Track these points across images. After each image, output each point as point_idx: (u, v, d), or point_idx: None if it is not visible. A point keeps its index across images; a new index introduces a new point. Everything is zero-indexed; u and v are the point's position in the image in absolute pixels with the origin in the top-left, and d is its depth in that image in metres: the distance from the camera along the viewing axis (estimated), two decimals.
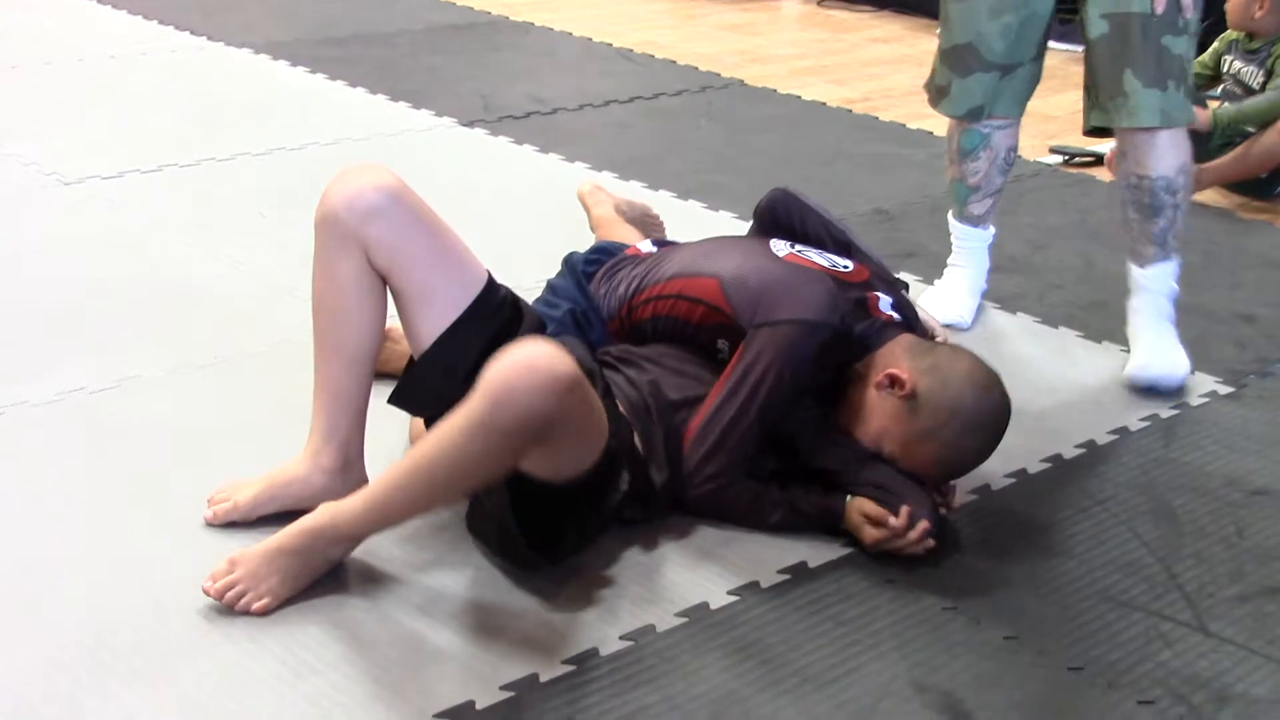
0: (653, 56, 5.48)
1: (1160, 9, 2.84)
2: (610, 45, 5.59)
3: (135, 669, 2.04)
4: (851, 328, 2.46)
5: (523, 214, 3.78)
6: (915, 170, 4.35)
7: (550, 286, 2.76)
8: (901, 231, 3.82)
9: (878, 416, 2.42)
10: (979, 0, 2.99)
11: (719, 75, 5.27)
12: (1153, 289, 3.06)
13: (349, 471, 2.37)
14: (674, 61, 5.42)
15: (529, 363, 2.02)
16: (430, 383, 2.30)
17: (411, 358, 2.39)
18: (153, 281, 3.28)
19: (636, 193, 3.95)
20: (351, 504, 2.19)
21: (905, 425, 2.40)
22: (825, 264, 2.56)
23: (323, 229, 2.32)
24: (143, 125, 4.31)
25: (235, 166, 4.01)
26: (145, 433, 2.65)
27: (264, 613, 2.15)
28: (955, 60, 3.07)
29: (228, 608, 2.14)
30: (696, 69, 5.34)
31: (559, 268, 2.81)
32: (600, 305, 2.69)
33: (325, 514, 2.19)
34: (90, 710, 1.96)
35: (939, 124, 4.80)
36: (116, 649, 2.08)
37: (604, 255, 2.80)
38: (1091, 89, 2.98)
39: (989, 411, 2.42)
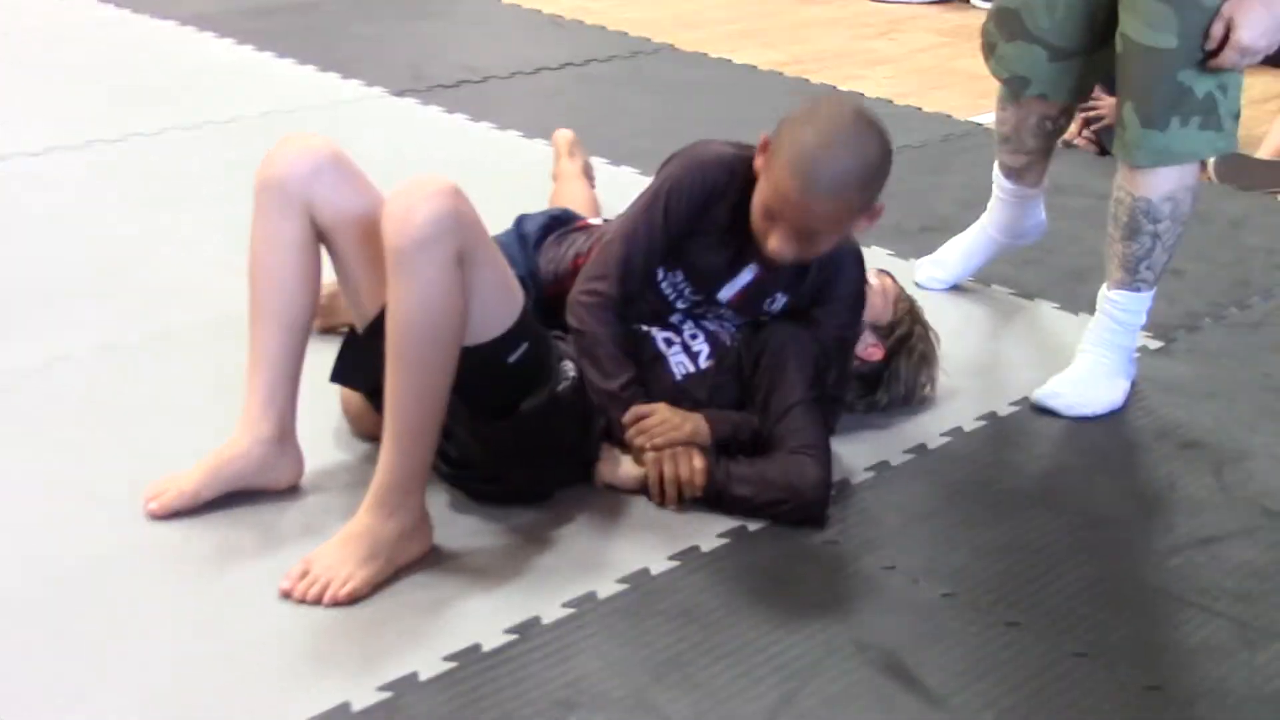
0: (582, 23, 5.46)
1: (1175, 43, 2.62)
2: (540, 12, 5.57)
3: (72, 653, 2.03)
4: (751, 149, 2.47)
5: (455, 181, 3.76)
6: None
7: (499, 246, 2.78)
8: None
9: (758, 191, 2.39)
10: None
11: (650, 40, 5.25)
12: (1111, 314, 2.85)
13: (285, 441, 2.37)
14: (604, 27, 5.40)
15: (409, 183, 2.14)
16: (380, 355, 2.23)
17: (352, 330, 2.39)
18: (82, 259, 3.24)
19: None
20: (380, 460, 2.20)
21: (765, 165, 2.37)
22: None
23: (266, 193, 2.31)
24: (67, 100, 4.25)
25: (164, 141, 3.96)
26: (77, 413, 2.62)
27: (351, 599, 2.14)
28: (1001, 21, 2.92)
29: (314, 602, 2.13)
30: (627, 34, 5.32)
31: (507, 226, 2.85)
32: (544, 269, 2.74)
33: (371, 486, 2.21)
34: (25, 693, 1.95)
35: (870, 85, 4.84)
36: (51, 632, 2.07)
37: (558, 224, 2.86)
38: None
39: (826, 109, 2.37)
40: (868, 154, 2.33)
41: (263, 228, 2.33)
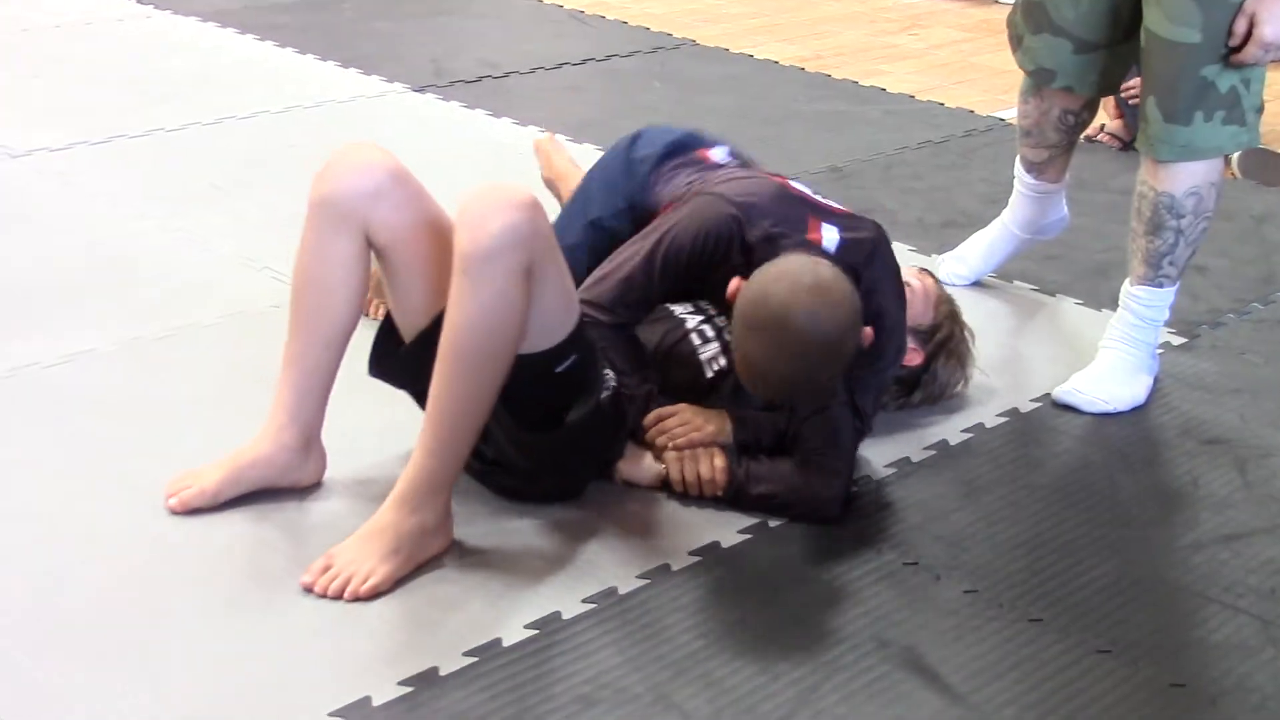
0: (604, 17, 5.45)
1: (1198, 38, 2.61)
2: (561, 7, 5.56)
3: (96, 647, 2.04)
4: (762, 224, 2.41)
5: (476, 179, 3.75)
6: (868, 127, 4.35)
7: (602, 168, 2.77)
8: (855, 189, 3.82)
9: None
10: None
11: (671, 35, 5.25)
12: (1133, 309, 2.83)
13: (310, 450, 2.37)
14: (625, 22, 5.40)
15: (486, 190, 2.16)
16: (429, 363, 2.22)
17: (387, 327, 2.39)
18: (104, 254, 3.25)
19: (591, 155, 3.93)
20: (413, 457, 2.20)
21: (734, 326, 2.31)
22: (806, 190, 2.56)
23: (321, 209, 2.30)
24: (90, 96, 4.26)
25: (185, 137, 3.97)
26: (100, 407, 2.63)
27: (373, 594, 2.14)
28: (1028, 13, 2.91)
29: (335, 597, 2.14)
30: (648, 29, 5.31)
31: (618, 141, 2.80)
32: (653, 195, 2.67)
33: (398, 482, 2.21)
34: (50, 689, 1.95)
35: (891, 81, 4.82)
36: (77, 626, 2.07)
37: (677, 150, 2.75)
38: None
39: (769, 310, 2.21)
40: (819, 352, 2.22)
41: (313, 241, 2.32)
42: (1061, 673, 2.09)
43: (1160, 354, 2.95)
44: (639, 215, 2.67)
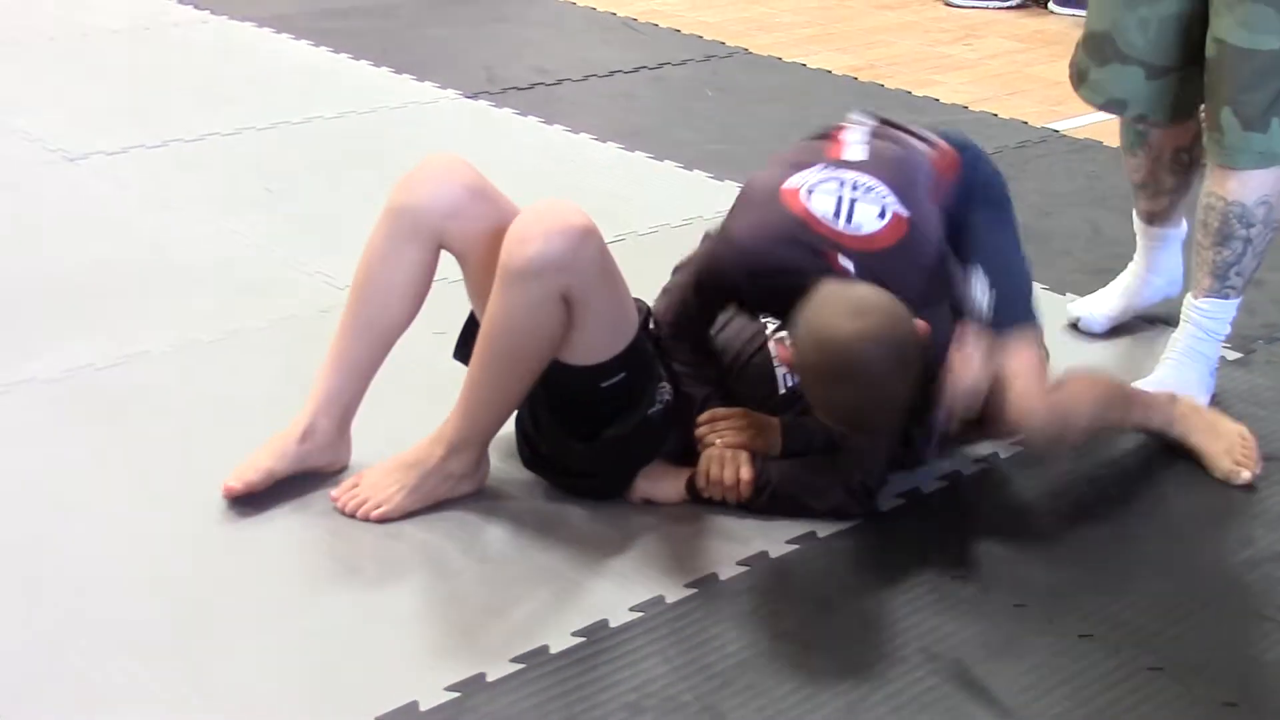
0: (657, 25, 5.46)
1: (1277, 45, 2.58)
2: (614, 14, 5.57)
3: (145, 646, 2.05)
4: (779, 265, 2.31)
5: (528, 187, 3.75)
6: None
7: None
8: None
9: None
10: None
11: (723, 44, 5.24)
12: (1197, 322, 2.80)
13: (342, 435, 2.43)
14: (678, 30, 5.40)
15: (543, 208, 2.20)
16: None
17: (474, 317, 2.43)
18: (158, 257, 3.27)
19: (641, 163, 3.93)
20: (450, 413, 2.32)
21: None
22: (819, 213, 2.34)
23: (398, 216, 2.36)
24: (147, 100, 4.30)
25: (240, 141, 4.00)
26: (153, 408, 2.65)
27: (382, 520, 2.30)
28: (1093, 47, 2.86)
29: (350, 515, 2.31)
30: (701, 38, 5.32)
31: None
32: None
33: (439, 426, 2.35)
34: (98, 687, 1.97)
35: (945, 91, 4.80)
36: (126, 624, 2.09)
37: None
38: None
39: (825, 353, 2.13)
40: (889, 365, 2.14)
41: (383, 244, 2.37)
42: (1112, 689, 2.07)
43: (1215, 369, 2.92)
44: None
